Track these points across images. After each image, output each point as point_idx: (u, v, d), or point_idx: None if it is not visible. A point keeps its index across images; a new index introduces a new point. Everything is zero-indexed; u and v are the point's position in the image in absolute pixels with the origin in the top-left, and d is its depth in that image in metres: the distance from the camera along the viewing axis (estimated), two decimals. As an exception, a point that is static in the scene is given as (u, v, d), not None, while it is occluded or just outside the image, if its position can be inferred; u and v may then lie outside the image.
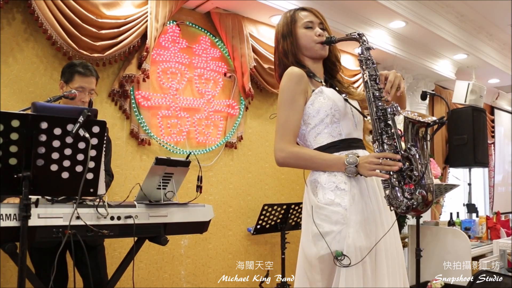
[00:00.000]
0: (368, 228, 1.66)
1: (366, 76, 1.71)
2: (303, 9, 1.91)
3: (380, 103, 1.66)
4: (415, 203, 1.58)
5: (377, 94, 1.67)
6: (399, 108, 1.64)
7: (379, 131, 1.65)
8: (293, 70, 1.79)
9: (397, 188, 1.60)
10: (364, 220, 1.66)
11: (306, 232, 1.77)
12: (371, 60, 1.73)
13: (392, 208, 1.63)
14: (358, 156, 1.67)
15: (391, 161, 1.58)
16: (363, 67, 1.72)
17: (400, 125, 1.66)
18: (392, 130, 1.63)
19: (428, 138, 1.62)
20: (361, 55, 1.74)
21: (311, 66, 1.88)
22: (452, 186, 4.21)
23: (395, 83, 1.66)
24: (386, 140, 1.63)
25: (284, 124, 1.76)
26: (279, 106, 1.79)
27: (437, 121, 1.59)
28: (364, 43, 1.76)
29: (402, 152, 1.59)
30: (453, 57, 5.56)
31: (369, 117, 1.73)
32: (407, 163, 1.58)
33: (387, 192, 1.63)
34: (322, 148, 1.77)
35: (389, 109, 1.64)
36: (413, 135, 1.61)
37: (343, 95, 1.83)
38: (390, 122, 1.64)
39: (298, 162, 1.76)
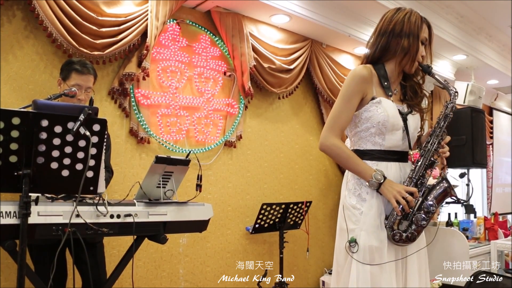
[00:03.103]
0: (380, 233, 1.83)
1: (439, 126, 1.91)
2: (427, 22, 1.96)
3: (434, 154, 1.88)
4: (402, 238, 1.82)
5: (437, 146, 1.89)
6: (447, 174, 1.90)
7: (420, 174, 1.86)
8: (357, 72, 1.90)
9: (399, 219, 1.83)
10: (376, 226, 1.83)
11: (339, 223, 1.96)
12: (450, 118, 1.91)
13: (387, 226, 1.84)
14: (384, 176, 1.82)
15: (408, 202, 1.79)
16: (443, 119, 1.91)
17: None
18: (425, 180, 1.86)
19: (444, 203, 1.92)
20: (447, 110, 1.91)
21: (391, 69, 1.95)
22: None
23: (447, 155, 1.91)
24: (419, 186, 1.86)
25: (336, 117, 1.90)
26: (339, 96, 1.93)
27: (462, 201, 1.96)
28: (455, 102, 1.92)
29: (426, 202, 1.83)
30: (453, 57, 5.57)
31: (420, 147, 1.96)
32: (423, 213, 1.82)
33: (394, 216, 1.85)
34: (358, 152, 1.92)
35: (435, 165, 1.88)
36: (439, 193, 1.85)
37: (407, 110, 1.94)
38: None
39: (335, 156, 1.92)
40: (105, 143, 2.54)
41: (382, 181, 1.81)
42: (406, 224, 1.82)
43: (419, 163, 1.87)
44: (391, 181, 1.83)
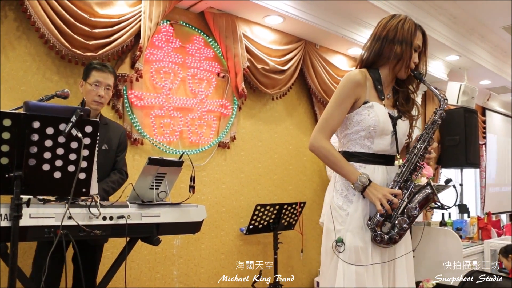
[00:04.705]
0: (365, 234, 1.86)
1: (427, 131, 1.93)
2: (421, 29, 1.97)
3: (420, 160, 1.89)
4: (384, 240, 1.84)
5: (423, 152, 1.90)
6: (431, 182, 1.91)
7: (404, 178, 1.88)
8: (351, 77, 1.91)
9: (383, 221, 1.85)
10: (361, 227, 1.86)
11: (326, 223, 1.97)
12: (437, 124, 1.95)
13: (369, 227, 1.86)
14: (369, 180, 1.84)
15: (392, 204, 1.82)
16: (431, 126, 1.93)
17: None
18: (410, 184, 1.89)
19: (428, 208, 1.94)
20: (435, 117, 1.94)
21: (385, 74, 1.97)
22: (444, 187, 4.23)
23: (434, 160, 1.86)
24: (403, 190, 1.88)
25: (328, 119, 1.92)
26: (331, 99, 1.95)
27: (445, 207, 1.98)
28: (444, 110, 1.95)
29: (409, 206, 1.85)
30: (446, 58, 5.59)
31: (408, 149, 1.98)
32: (406, 217, 1.85)
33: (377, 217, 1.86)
34: (347, 153, 1.95)
35: (420, 170, 1.90)
36: (422, 198, 1.87)
37: (397, 114, 1.97)
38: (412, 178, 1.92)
39: (323, 158, 1.94)
40: (122, 145, 2.67)
41: (367, 184, 1.83)
42: (389, 226, 1.84)
43: (405, 167, 1.90)
44: (376, 184, 1.86)
